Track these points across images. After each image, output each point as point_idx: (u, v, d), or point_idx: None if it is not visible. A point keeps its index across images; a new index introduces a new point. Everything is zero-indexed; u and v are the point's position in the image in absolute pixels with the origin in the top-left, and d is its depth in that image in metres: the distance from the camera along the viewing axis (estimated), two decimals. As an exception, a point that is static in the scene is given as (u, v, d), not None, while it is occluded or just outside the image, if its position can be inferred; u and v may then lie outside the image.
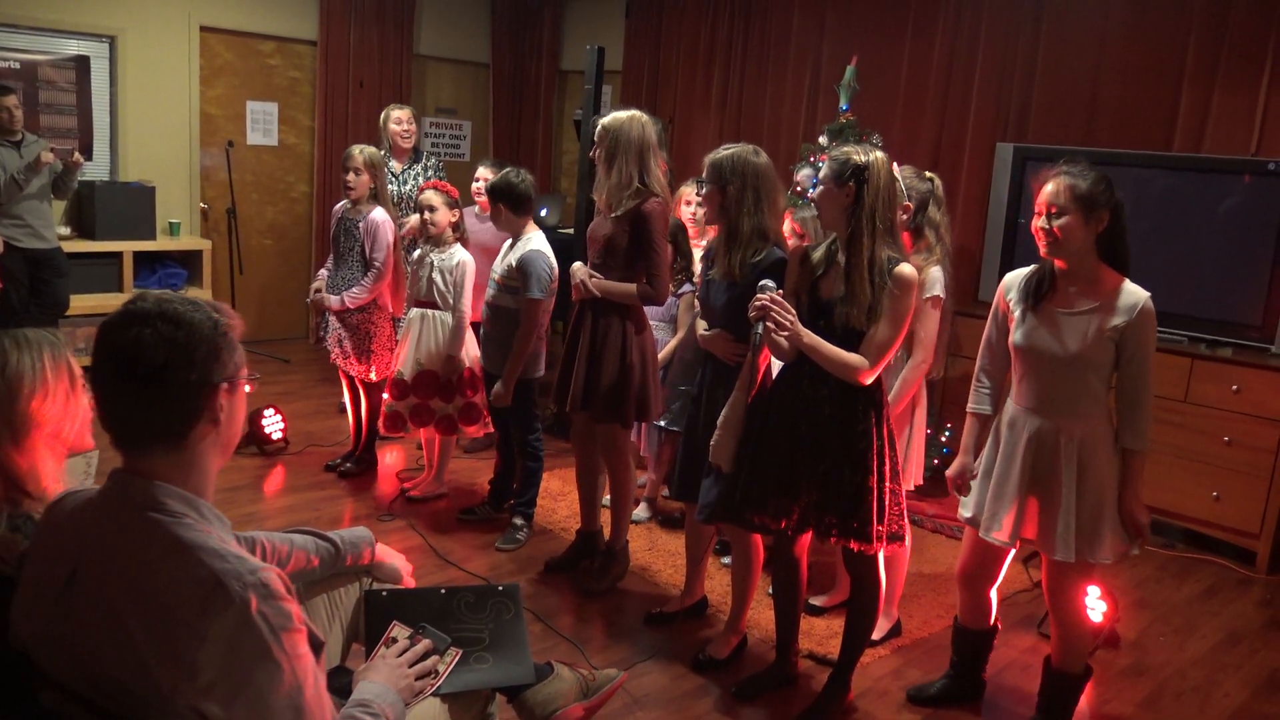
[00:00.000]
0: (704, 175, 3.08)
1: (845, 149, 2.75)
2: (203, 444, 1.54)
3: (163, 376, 1.46)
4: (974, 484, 2.92)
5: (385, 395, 4.43)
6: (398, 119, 5.53)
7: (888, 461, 2.78)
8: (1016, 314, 2.77)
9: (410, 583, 2.26)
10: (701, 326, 3.25)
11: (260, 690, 1.44)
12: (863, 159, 2.68)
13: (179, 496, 1.51)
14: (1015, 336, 2.76)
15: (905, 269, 2.69)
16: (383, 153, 5.64)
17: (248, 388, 1.62)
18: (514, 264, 3.90)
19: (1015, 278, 2.83)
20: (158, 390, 1.47)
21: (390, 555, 2.23)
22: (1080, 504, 2.68)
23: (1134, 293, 2.63)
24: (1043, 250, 2.68)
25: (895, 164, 3.37)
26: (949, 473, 3.00)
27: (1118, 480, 2.70)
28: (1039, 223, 2.66)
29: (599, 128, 3.49)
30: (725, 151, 3.06)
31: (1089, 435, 2.68)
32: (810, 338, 2.69)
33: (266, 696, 1.45)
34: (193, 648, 1.40)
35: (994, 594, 3.06)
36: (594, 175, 3.63)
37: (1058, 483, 2.70)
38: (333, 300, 4.51)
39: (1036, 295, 2.72)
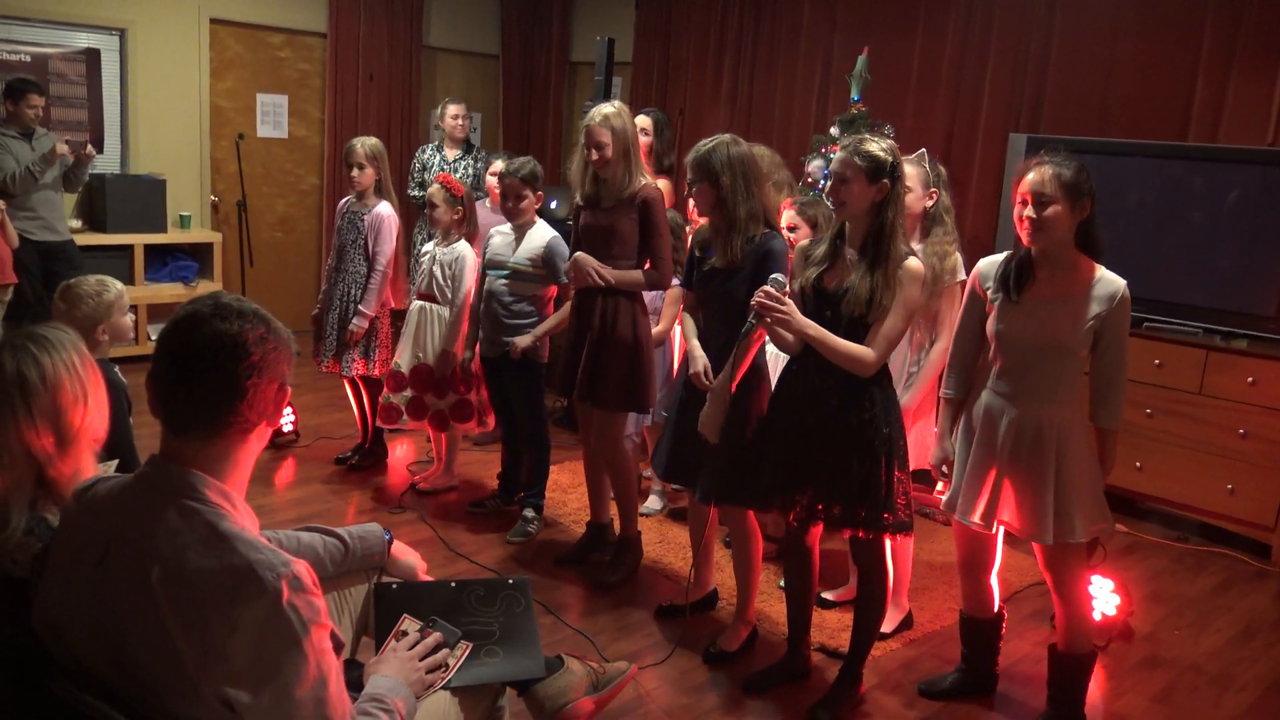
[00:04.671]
0: (692, 174, 3.10)
1: (863, 143, 2.72)
2: (255, 440, 1.59)
3: (255, 370, 1.52)
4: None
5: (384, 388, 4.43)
6: (454, 114, 5.89)
7: (896, 450, 2.78)
8: (996, 302, 2.79)
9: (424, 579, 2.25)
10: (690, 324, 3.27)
11: (286, 681, 1.46)
12: (890, 155, 2.70)
13: (216, 488, 1.54)
14: (995, 325, 2.78)
15: (913, 262, 2.74)
16: (435, 144, 5.96)
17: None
18: (541, 252, 3.94)
19: (990, 265, 2.85)
20: (247, 383, 1.52)
21: (406, 553, 2.22)
22: (1057, 487, 2.72)
23: (1112, 281, 2.67)
24: (1025, 239, 2.69)
25: (926, 153, 3.37)
26: (931, 460, 3.05)
27: (1091, 460, 2.74)
28: (1025, 211, 2.66)
29: (604, 123, 3.46)
30: (706, 146, 3.10)
31: (1066, 420, 2.72)
32: (817, 330, 2.71)
33: (292, 688, 1.47)
34: (223, 635, 1.43)
35: (994, 581, 3.06)
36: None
37: (1038, 468, 2.72)
38: (360, 325, 4.49)
39: (1017, 284, 2.73)
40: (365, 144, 4.49)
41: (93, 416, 1.84)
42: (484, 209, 4.97)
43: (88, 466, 1.84)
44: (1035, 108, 5.48)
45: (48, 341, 1.82)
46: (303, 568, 1.49)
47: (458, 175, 5.66)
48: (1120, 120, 5.16)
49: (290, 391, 1.62)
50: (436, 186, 4.30)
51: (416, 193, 5.95)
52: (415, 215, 5.94)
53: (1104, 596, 3.57)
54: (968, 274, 3.25)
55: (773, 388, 3.08)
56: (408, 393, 4.33)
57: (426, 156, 6.03)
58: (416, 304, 4.38)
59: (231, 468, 1.57)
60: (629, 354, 3.56)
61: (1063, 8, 5.34)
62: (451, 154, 5.93)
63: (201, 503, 1.51)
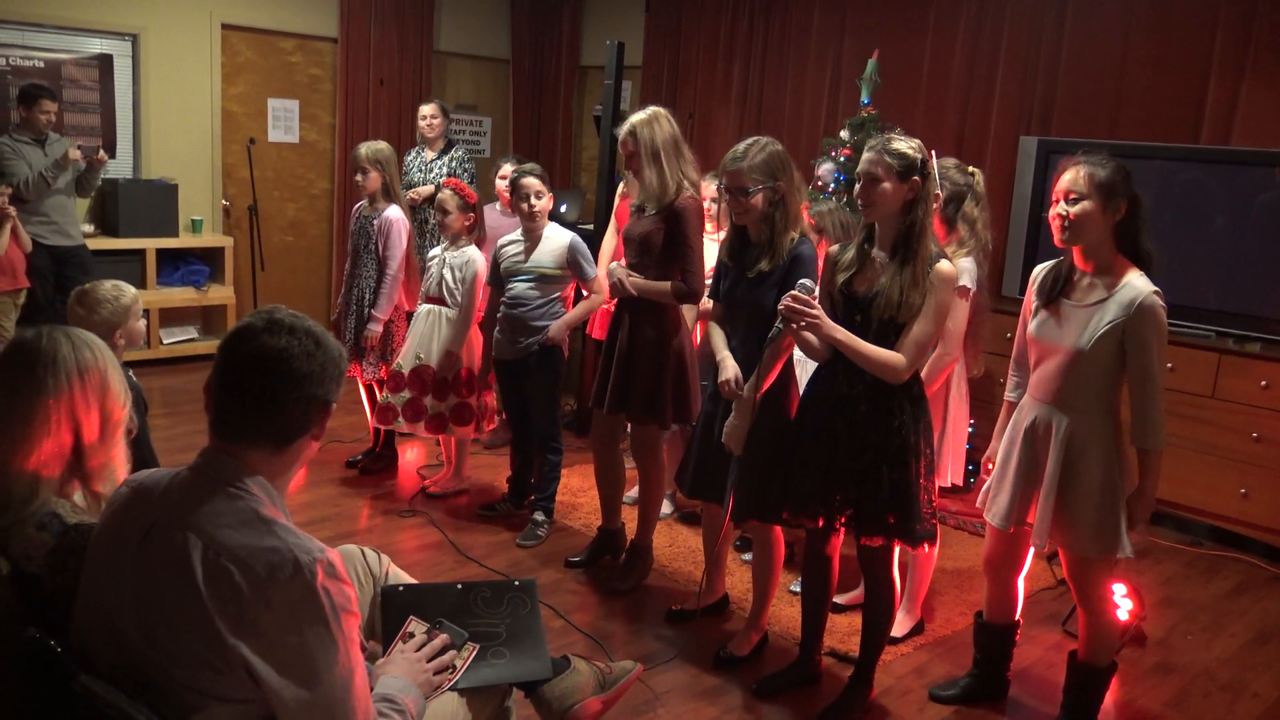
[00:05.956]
0: (751, 179, 2.94)
1: (892, 142, 2.68)
2: (299, 455, 1.65)
3: (298, 385, 1.58)
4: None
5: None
6: (421, 113, 5.82)
7: (924, 458, 2.76)
8: (1035, 304, 2.78)
9: None
10: (719, 337, 3.16)
11: (315, 663, 1.50)
12: (918, 152, 2.65)
13: (261, 484, 1.60)
14: (1030, 326, 2.78)
15: (945, 266, 2.69)
16: (418, 147, 5.91)
17: None
18: (564, 252, 3.99)
19: (1045, 268, 2.83)
20: (289, 397, 1.58)
21: None
22: (1061, 496, 2.68)
23: (1135, 288, 2.57)
24: (1057, 238, 2.65)
25: (935, 155, 3.34)
26: (984, 457, 3.06)
27: (1112, 479, 2.66)
28: (1056, 209, 2.63)
29: (627, 133, 3.46)
30: (754, 146, 2.99)
31: (1081, 430, 2.66)
32: (845, 335, 2.66)
33: (320, 670, 1.51)
34: (256, 613, 1.47)
35: (1020, 585, 3.04)
36: (614, 173, 3.59)
37: (1041, 471, 2.72)
38: (374, 329, 4.51)
39: (1052, 288, 2.72)
40: (369, 149, 4.51)
41: (126, 413, 1.91)
42: (493, 211, 4.98)
43: (119, 460, 1.90)
44: (1046, 110, 5.46)
45: (90, 338, 1.90)
46: (336, 556, 1.55)
47: (433, 176, 5.65)
48: (1132, 122, 5.14)
49: (332, 409, 1.65)
50: (448, 192, 4.31)
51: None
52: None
53: (1116, 600, 3.54)
54: (974, 283, 3.22)
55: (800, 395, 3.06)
56: (405, 394, 4.34)
57: (409, 159, 5.96)
58: (424, 307, 4.39)
59: (272, 475, 1.63)
60: (653, 367, 3.52)
61: (1073, 9, 5.32)
62: (430, 154, 5.87)
63: (245, 492, 1.57)
